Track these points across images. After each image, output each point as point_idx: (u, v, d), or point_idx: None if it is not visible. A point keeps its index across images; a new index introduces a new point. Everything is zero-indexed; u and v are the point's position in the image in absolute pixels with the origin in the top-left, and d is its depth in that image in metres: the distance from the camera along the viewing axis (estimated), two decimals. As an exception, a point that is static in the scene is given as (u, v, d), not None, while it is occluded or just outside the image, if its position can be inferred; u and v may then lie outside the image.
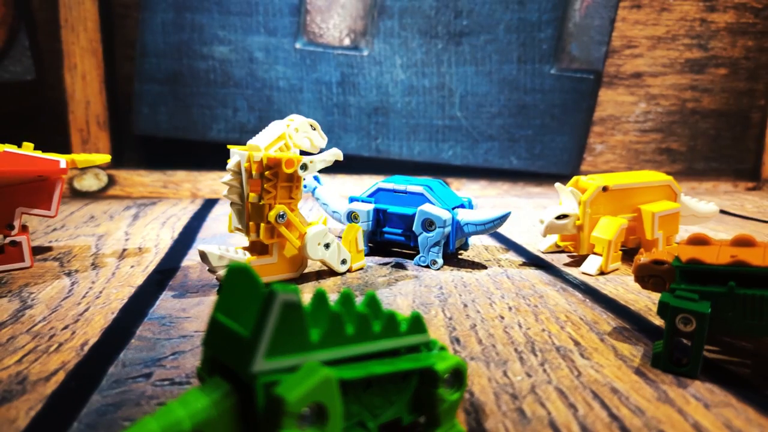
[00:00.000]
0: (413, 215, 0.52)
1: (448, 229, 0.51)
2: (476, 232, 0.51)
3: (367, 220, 0.54)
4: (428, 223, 0.51)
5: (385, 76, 0.95)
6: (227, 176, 0.44)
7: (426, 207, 0.51)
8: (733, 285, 0.30)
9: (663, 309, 0.31)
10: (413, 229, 0.52)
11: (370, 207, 0.54)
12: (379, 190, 0.55)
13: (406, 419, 0.24)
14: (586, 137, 1.02)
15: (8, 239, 0.49)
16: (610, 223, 0.51)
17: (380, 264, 0.52)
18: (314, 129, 0.47)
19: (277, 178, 0.42)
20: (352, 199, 0.56)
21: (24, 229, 0.51)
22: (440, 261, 0.51)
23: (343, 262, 0.48)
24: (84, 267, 0.50)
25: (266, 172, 0.42)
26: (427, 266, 0.51)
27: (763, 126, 1.04)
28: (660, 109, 1.02)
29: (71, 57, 0.89)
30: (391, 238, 0.54)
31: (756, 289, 0.30)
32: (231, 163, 0.44)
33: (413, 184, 0.54)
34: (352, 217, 0.54)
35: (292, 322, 0.20)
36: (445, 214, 0.50)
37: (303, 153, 0.47)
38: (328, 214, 0.57)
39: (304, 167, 0.43)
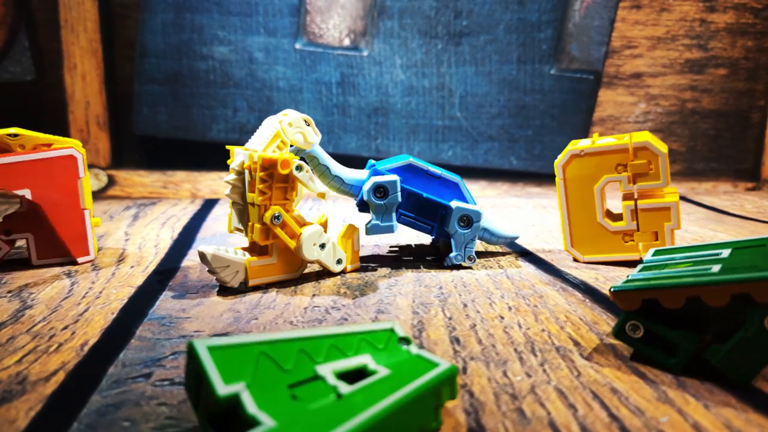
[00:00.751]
0: (441, 204, 0.49)
1: (481, 223, 0.49)
2: (485, 239, 0.51)
3: (395, 192, 0.47)
4: (465, 220, 0.49)
5: (384, 77, 0.95)
6: (231, 175, 0.44)
7: (459, 203, 0.49)
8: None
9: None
10: (448, 228, 0.49)
11: (396, 178, 0.48)
12: (409, 165, 0.50)
13: None
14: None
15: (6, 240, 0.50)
16: None
17: (380, 265, 0.52)
18: (308, 125, 0.47)
19: (273, 179, 0.42)
20: (374, 172, 0.49)
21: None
22: (475, 257, 0.50)
23: (339, 261, 0.48)
24: (84, 267, 0.50)
25: (261, 173, 0.42)
26: (459, 265, 0.51)
27: (763, 126, 1.04)
28: (660, 110, 1.02)
29: (71, 57, 0.89)
30: (408, 222, 0.50)
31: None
32: (235, 163, 0.44)
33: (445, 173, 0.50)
34: (377, 192, 0.47)
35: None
36: (479, 208, 0.50)
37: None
38: (328, 177, 0.49)
39: (300, 168, 0.43)
